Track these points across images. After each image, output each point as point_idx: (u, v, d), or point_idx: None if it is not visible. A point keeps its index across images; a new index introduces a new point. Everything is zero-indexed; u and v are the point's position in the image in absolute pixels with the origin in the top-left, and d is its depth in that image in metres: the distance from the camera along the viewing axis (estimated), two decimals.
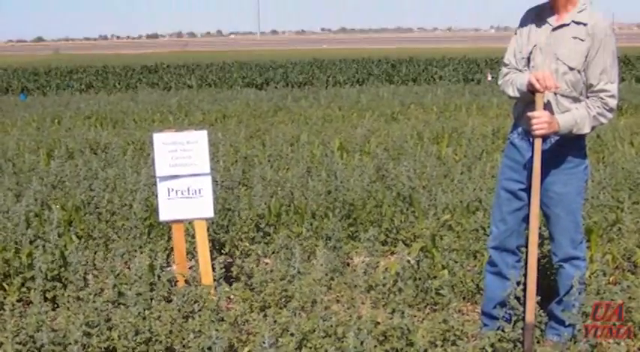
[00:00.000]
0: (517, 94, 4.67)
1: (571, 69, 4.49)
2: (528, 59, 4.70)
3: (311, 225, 7.30)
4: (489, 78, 29.12)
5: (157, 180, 5.78)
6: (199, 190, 5.76)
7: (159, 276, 5.72)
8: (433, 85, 28.66)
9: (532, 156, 4.60)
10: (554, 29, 4.59)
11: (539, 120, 4.41)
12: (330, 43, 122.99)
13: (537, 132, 4.44)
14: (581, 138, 4.63)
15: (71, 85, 32.65)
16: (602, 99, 4.46)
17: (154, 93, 26.64)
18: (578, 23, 4.51)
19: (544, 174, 4.61)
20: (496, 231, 4.98)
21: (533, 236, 4.65)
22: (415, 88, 25.95)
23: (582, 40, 4.47)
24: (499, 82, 4.92)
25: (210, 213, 5.82)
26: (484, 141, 11.64)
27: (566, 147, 4.61)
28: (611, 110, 4.50)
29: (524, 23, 4.80)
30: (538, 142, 4.51)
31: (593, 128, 4.55)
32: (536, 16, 4.72)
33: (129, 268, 6.32)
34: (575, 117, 4.46)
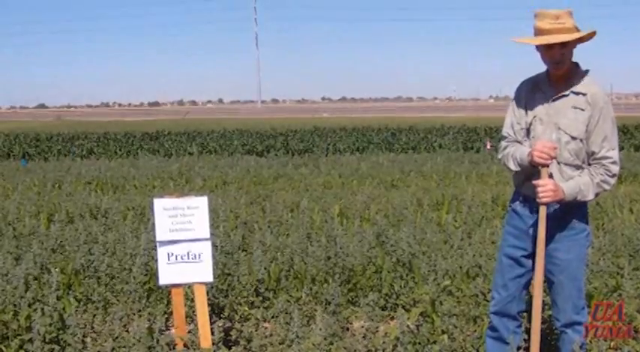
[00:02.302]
0: (518, 168, 4.72)
1: (573, 138, 4.55)
2: (527, 130, 4.76)
3: (310, 289, 7.28)
4: (489, 146, 29.29)
5: (157, 244, 5.77)
6: (199, 255, 5.74)
7: (158, 340, 5.69)
8: (433, 153, 28.83)
9: (535, 223, 4.64)
10: (554, 100, 4.65)
11: (545, 188, 4.46)
12: (331, 111, 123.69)
13: (543, 200, 4.49)
14: (583, 204, 4.68)
15: (73, 151, 32.78)
16: (605, 166, 4.51)
17: (154, 159, 26.76)
18: (577, 93, 4.57)
19: (547, 240, 4.65)
20: (498, 296, 4.99)
21: (537, 300, 4.66)
22: (415, 156, 26.10)
23: (582, 110, 4.53)
24: (499, 156, 4.96)
25: (209, 277, 5.81)
26: (484, 208, 11.67)
27: (569, 213, 4.66)
28: (613, 176, 4.55)
29: (520, 95, 4.85)
30: (543, 210, 4.56)
31: (597, 195, 4.59)
32: (532, 87, 4.78)
33: (128, 331, 6.29)
34: (580, 184, 4.51)
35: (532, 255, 4.74)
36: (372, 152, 30.37)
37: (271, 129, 47.57)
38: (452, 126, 46.36)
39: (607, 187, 4.58)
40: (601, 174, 4.52)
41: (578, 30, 4.50)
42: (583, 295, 4.88)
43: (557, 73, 4.61)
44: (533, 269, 4.80)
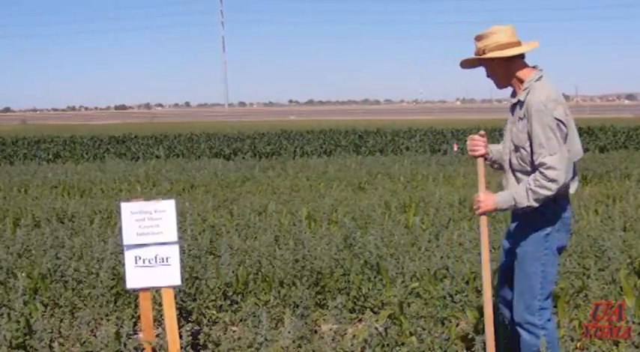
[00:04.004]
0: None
1: (516, 146, 4.71)
2: None
3: (278, 292, 7.28)
4: (455, 148, 29.35)
5: (125, 248, 5.76)
6: (167, 258, 5.73)
7: (125, 344, 5.67)
8: (400, 155, 28.83)
9: (514, 224, 4.95)
10: (511, 108, 4.84)
11: (475, 200, 4.79)
12: (298, 114, 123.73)
13: (477, 213, 4.86)
14: (542, 207, 4.68)
15: (39, 155, 32.49)
16: (541, 172, 4.55)
17: (121, 163, 26.60)
18: (522, 102, 4.70)
19: (513, 234, 4.92)
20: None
21: (486, 293, 4.87)
22: (382, 159, 26.08)
23: (522, 119, 4.67)
24: None
25: (177, 281, 5.80)
26: (451, 210, 11.72)
27: (528, 213, 4.74)
28: (552, 181, 4.52)
29: None
30: (482, 220, 4.90)
31: (537, 200, 4.60)
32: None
33: (95, 336, 6.25)
34: (513, 193, 4.66)
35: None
36: (340, 155, 30.30)
37: (239, 132, 47.48)
38: (419, 129, 46.57)
39: (545, 192, 4.55)
40: (536, 180, 4.55)
41: (501, 48, 4.72)
42: (538, 297, 4.81)
43: (499, 89, 4.91)
44: None
